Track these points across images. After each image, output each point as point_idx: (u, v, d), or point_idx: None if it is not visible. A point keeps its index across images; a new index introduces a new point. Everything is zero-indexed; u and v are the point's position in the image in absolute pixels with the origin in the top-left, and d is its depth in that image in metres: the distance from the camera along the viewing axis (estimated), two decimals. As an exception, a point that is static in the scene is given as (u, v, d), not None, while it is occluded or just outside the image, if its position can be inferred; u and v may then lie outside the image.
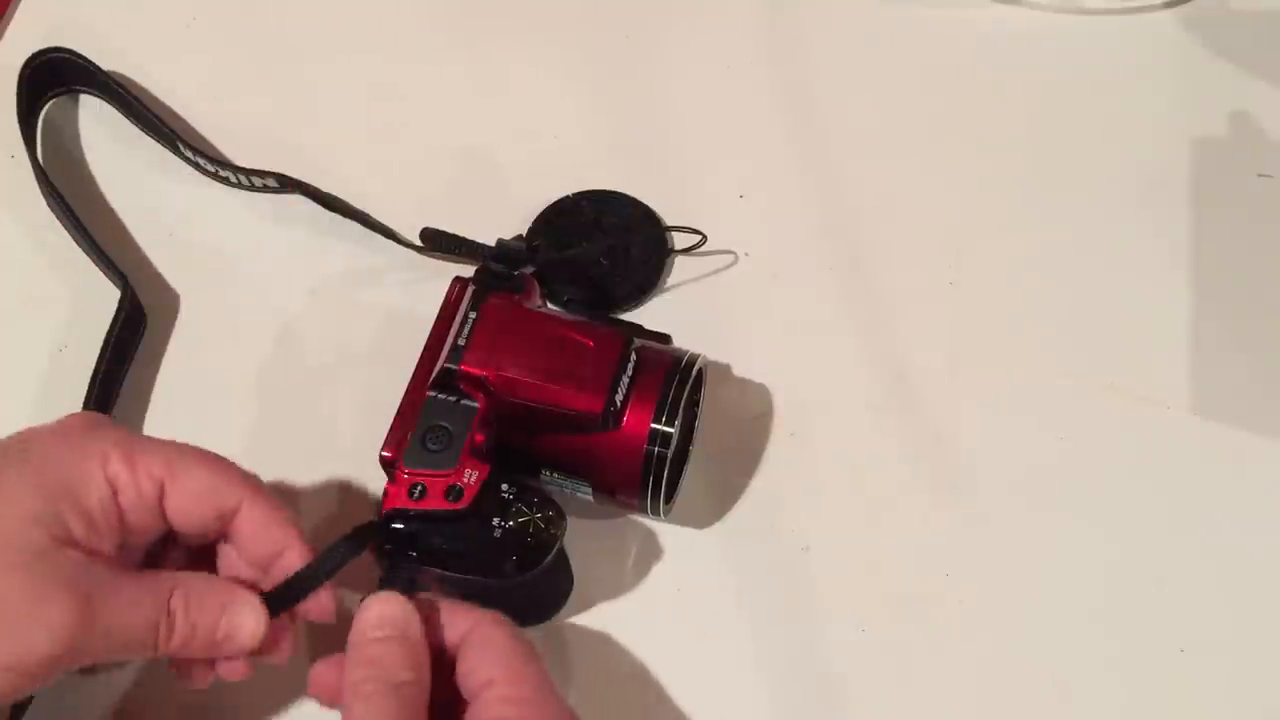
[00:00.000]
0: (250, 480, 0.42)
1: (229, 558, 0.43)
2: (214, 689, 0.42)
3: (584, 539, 0.48)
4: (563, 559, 0.47)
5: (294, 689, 0.47)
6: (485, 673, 0.39)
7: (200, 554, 0.43)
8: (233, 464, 0.42)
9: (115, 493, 0.39)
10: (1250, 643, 0.48)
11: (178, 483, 0.40)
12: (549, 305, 0.55)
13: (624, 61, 0.64)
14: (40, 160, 0.59)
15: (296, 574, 0.41)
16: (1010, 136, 0.61)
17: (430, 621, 0.40)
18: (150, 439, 0.41)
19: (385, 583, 0.41)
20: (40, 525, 0.37)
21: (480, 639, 0.40)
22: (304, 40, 0.65)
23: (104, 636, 0.37)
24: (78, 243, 0.57)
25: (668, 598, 0.49)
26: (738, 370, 0.54)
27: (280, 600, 0.41)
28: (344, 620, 0.41)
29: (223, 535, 0.42)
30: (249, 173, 0.58)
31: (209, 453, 0.42)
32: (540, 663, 0.40)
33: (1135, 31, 0.65)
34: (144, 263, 0.58)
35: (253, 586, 0.41)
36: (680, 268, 0.57)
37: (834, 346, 0.55)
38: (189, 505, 0.41)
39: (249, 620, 0.40)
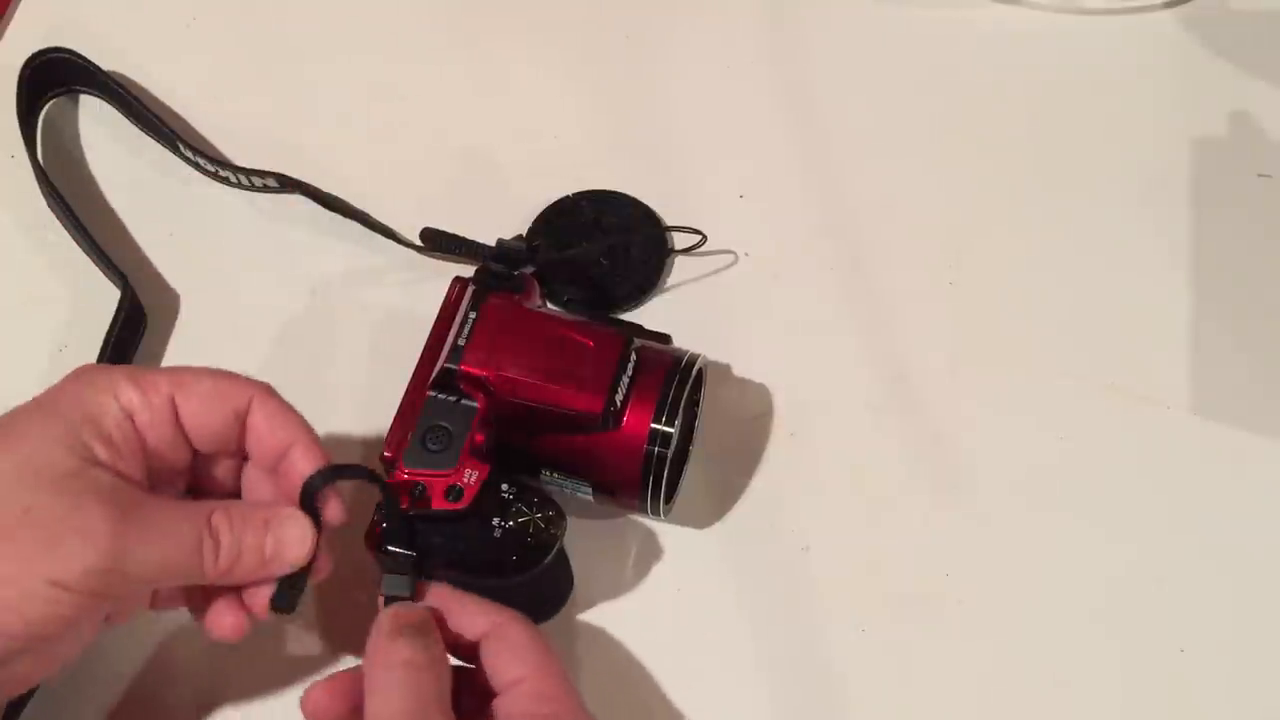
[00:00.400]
0: (259, 382, 0.42)
1: (250, 480, 0.43)
2: (217, 679, 0.42)
3: (584, 539, 0.48)
4: (563, 559, 0.47)
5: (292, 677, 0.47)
6: (514, 670, 0.40)
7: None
8: (239, 373, 0.42)
9: (131, 416, 0.39)
10: (1250, 643, 0.48)
11: (187, 390, 0.41)
12: (549, 305, 0.55)
13: (624, 61, 0.64)
14: (40, 160, 0.59)
15: (313, 475, 0.41)
16: (1010, 136, 0.61)
17: (450, 616, 0.41)
18: (157, 367, 0.42)
19: (389, 581, 0.42)
20: (66, 448, 0.37)
21: (504, 636, 0.41)
22: (304, 40, 0.65)
23: (144, 551, 0.37)
24: (78, 243, 0.57)
25: (668, 598, 0.49)
26: (738, 370, 0.54)
27: (305, 503, 0.41)
28: (350, 622, 0.41)
29: (240, 445, 0.42)
30: (249, 173, 0.58)
31: (215, 367, 0.42)
32: (560, 661, 0.41)
33: (1135, 31, 0.64)
34: (144, 263, 0.58)
35: None
36: (680, 268, 0.57)
37: (834, 346, 0.55)
38: (202, 410, 0.41)
39: (294, 530, 0.40)
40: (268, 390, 0.42)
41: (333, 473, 0.42)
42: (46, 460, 0.37)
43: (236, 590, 0.41)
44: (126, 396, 0.39)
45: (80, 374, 0.41)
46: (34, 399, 0.40)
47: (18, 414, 0.39)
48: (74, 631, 0.37)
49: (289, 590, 0.41)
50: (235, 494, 0.44)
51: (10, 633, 0.36)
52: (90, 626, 0.39)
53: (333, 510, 0.42)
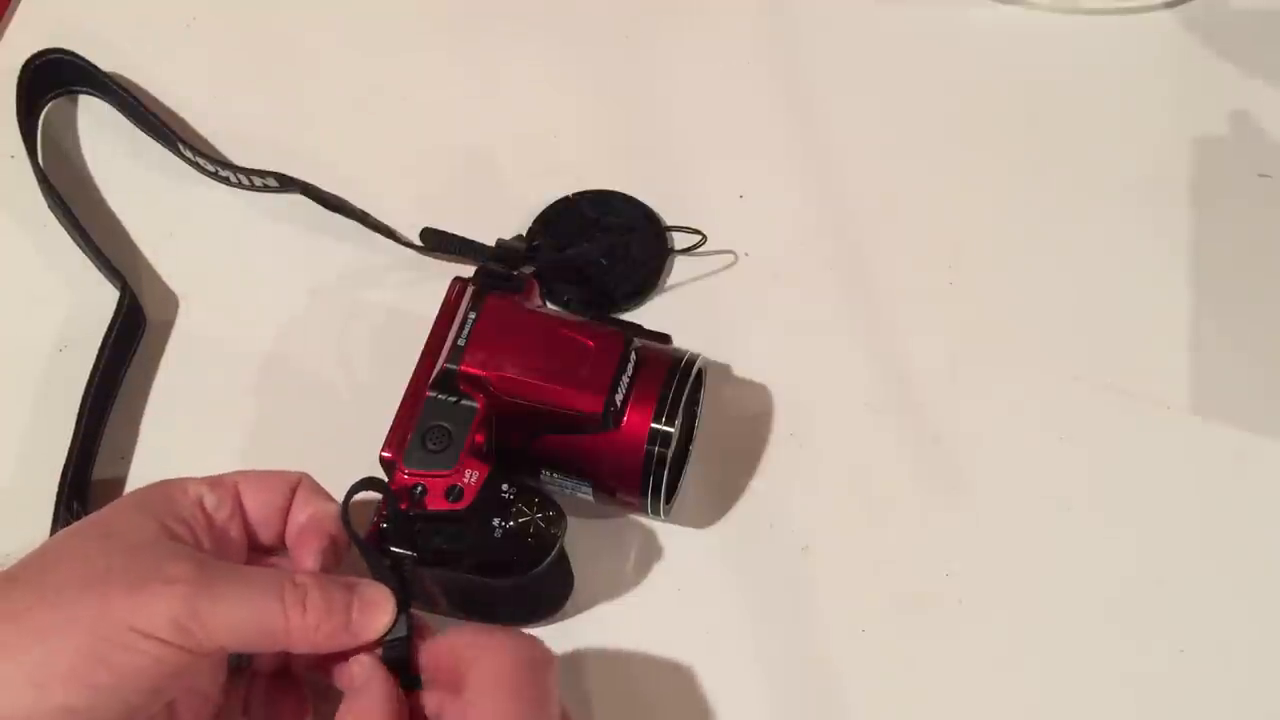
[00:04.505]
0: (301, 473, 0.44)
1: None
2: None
3: (584, 539, 0.48)
4: (563, 559, 0.46)
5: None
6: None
7: None
8: None
9: (201, 502, 0.41)
10: (1250, 643, 0.48)
11: (248, 476, 0.43)
12: (549, 305, 0.55)
13: (624, 61, 0.64)
14: (40, 161, 0.59)
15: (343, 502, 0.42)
16: (1010, 136, 0.61)
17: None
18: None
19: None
20: (143, 525, 0.39)
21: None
22: (304, 40, 0.65)
23: (227, 603, 0.37)
24: (77, 243, 0.57)
25: (668, 598, 0.49)
26: (738, 370, 0.54)
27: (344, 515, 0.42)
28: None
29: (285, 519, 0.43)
30: (249, 173, 0.58)
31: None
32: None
33: (1135, 31, 0.65)
34: (144, 263, 0.58)
35: None
36: (680, 268, 0.57)
37: (834, 346, 0.55)
38: (262, 492, 0.43)
39: (377, 593, 0.40)
40: (306, 475, 0.44)
41: (350, 493, 0.42)
42: (125, 532, 0.39)
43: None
44: (196, 488, 0.42)
45: (155, 483, 0.42)
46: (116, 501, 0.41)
47: (102, 512, 0.40)
48: (162, 696, 0.37)
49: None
50: None
51: (96, 683, 0.36)
52: (185, 699, 0.39)
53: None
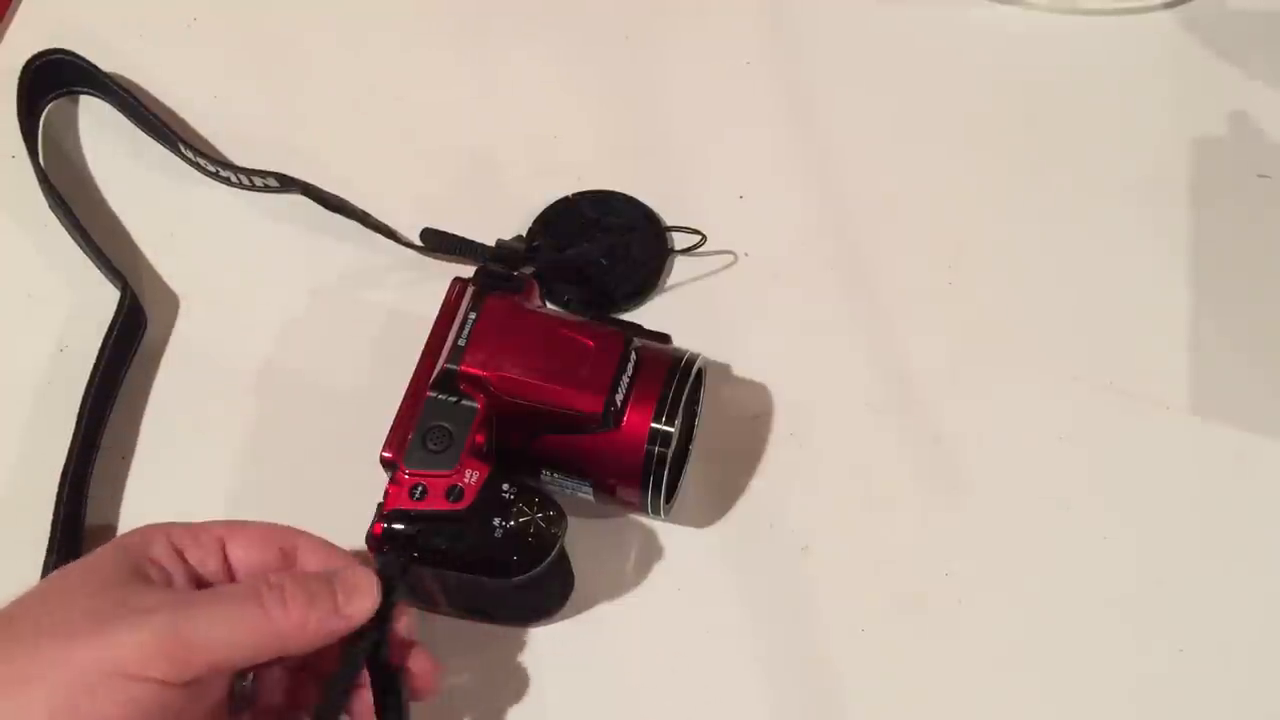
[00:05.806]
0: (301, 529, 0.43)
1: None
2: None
3: (584, 539, 0.48)
4: (563, 559, 0.47)
5: None
6: None
7: None
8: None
9: (182, 553, 0.40)
10: (1250, 643, 0.48)
11: (236, 533, 0.41)
12: (549, 305, 0.55)
13: (624, 61, 0.64)
14: (41, 161, 0.59)
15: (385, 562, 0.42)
16: (1010, 137, 0.61)
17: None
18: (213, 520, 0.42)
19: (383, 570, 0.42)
20: (118, 566, 0.38)
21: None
22: (304, 40, 0.65)
23: (206, 620, 0.36)
24: (78, 243, 0.57)
25: (668, 598, 0.49)
26: (738, 370, 0.54)
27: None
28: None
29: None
30: (249, 173, 0.58)
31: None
32: None
33: (1135, 32, 0.65)
34: (144, 263, 0.58)
35: None
36: (680, 268, 0.57)
37: (834, 346, 0.55)
38: (251, 547, 0.41)
39: (361, 579, 0.40)
40: (310, 535, 0.42)
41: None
42: (99, 573, 0.38)
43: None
44: (177, 536, 0.40)
45: (139, 528, 0.41)
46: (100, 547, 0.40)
47: (84, 558, 0.39)
48: None
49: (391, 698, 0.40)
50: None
51: None
52: None
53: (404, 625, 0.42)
